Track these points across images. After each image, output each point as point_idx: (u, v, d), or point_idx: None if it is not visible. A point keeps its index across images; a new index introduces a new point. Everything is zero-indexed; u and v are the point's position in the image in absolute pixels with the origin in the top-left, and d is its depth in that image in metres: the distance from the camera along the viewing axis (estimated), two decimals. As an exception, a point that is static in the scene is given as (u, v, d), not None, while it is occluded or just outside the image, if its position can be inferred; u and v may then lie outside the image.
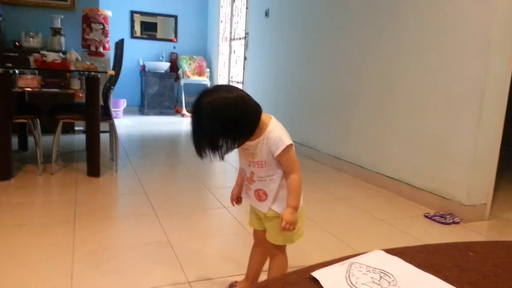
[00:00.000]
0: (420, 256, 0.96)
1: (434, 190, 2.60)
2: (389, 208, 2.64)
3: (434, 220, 2.38)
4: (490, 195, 2.45)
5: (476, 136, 2.34)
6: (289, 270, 1.62)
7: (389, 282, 0.80)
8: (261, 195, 1.31)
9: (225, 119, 1.13)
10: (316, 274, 0.84)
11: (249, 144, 1.25)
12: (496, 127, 2.38)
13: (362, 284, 0.79)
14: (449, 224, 2.34)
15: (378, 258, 0.92)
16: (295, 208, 1.26)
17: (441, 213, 2.46)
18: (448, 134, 2.51)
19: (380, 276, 0.82)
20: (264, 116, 1.22)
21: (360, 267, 0.86)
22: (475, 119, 2.34)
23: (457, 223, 2.36)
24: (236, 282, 1.55)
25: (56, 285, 1.55)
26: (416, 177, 2.75)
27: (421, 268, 0.88)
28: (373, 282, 0.80)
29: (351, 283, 0.79)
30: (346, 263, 0.89)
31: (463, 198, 2.40)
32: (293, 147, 1.26)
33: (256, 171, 1.29)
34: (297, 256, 1.83)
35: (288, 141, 1.22)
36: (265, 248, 1.43)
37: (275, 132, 1.22)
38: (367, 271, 0.85)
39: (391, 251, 0.97)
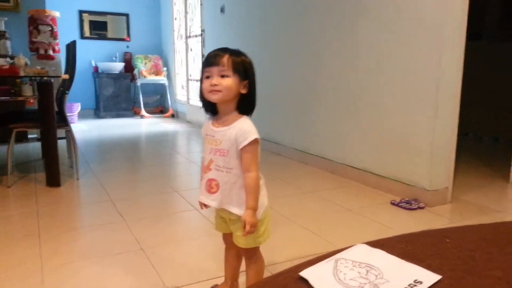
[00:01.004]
0: (400, 247, 0.98)
1: (398, 177, 2.69)
2: (356, 197, 2.70)
3: (400, 207, 2.47)
4: (451, 179, 2.56)
5: (433, 125, 2.44)
6: (266, 266, 1.63)
7: (376, 276, 0.82)
8: (212, 186, 1.27)
9: (254, 79, 1.28)
10: (304, 273, 0.84)
11: (218, 129, 1.25)
12: (452, 116, 2.49)
13: (350, 279, 0.80)
14: (414, 209, 2.43)
15: (362, 252, 0.94)
16: (255, 209, 1.23)
17: (406, 199, 2.55)
18: (408, 124, 2.60)
19: (367, 270, 0.84)
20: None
21: (346, 262, 0.88)
22: (432, 110, 2.44)
23: (422, 208, 2.45)
24: (216, 285, 1.53)
25: (26, 305, 1.47)
26: (380, 166, 2.83)
27: (404, 258, 0.90)
28: (361, 276, 0.81)
29: (340, 279, 0.80)
30: (331, 259, 0.90)
31: (426, 184, 2.50)
32: (259, 146, 1.25)
33: (215, 159, 1.26)
34: (270, 252, 1.84)
35: (256, 135, 1.22)
36: (238, 250, 1.40)
37: (247, 124, 1.24)
38: (353, 266, 0.86)
39: (373, 244, 1.00)
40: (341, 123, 3.18)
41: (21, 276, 1.66)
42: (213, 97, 1.22)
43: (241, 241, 1.31)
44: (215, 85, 1.19)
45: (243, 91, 1.24)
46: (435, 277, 0.80)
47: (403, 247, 0.98)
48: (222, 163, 1.25)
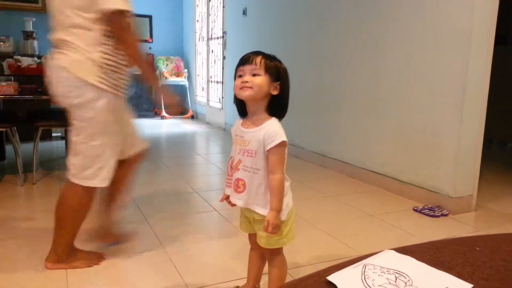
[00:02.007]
0: (430, 254, 0.97)
1: (421, 183, 2.65)
2: (377, 203, 2.67)
3: (423, 213, 2.43)
4: (476, 187, 2.51)
5: (459, 130, 2.39)
6: (287, 269, 1.62)
7: (405, 283, 0.81)
8: (239, 186, 1.30)
9: (287, 83, 1.29)
10: (332, 278, 0.83)
11: (247, 130, 1.27)
12: (478, 121, 2.45)
13: (379, 286, 0.79)
14: (438, 216, 2.39)
15: (391, 259, 0.93)
16: (278, 211, 1.24)
17: (430, 206, 2.50)
18: (432, 128, 2.56)
19: (396, 277, 0.83)
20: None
21: (374, 268, 0.87)
22: (458, 114, 2.39)
23: (445, 215, 2.41)
24: (238, 287, 1.53)
25: (52, 301, 1.50)
26: (402, 172, 2.79)
27: (433, 266, 0.89)
28: (389, 283, 0.80)
29: (368, 285, 0.80)
30: (359, 265, 0.89)
31: (450, 191, 2.46)
32: (286, 148, 1.27)
33: (243, 160, 1.28)
34: (291, 255, 1.83)
35: (283, 137, 1.24)
36: (262, 251, 1.41)
37: (275, 125, 1.25)
38: (382, 272, 0.85)
39: (401, 250, 0.98)
40: (362, 126, 3.15)
41: (46, 273, 1.70)
42: (243, 94, 1.23)
43: (264, 241, 1.31)
44: (246, 82, 1.21)
45: (274, 92, 1.25)
46: (466, 286, 0.79)
47: (432, 254, 0.96)
48: (250, 164, 1.27)
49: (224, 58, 5.64)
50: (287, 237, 1.32)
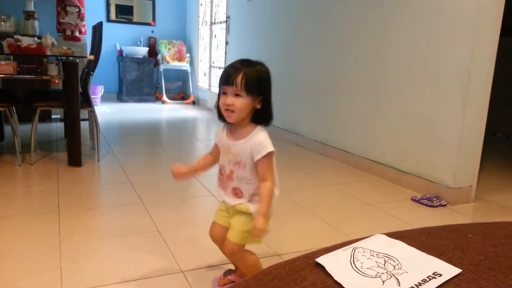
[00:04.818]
0: (421, 239, 0.96)
1: (421, 173, 2.63)
2: (376, 192, 2.65)
3: (421, 203, 2.42)
4: (475, 178, 2.49)
5: (462, 120, 2.36)
6: (282, 255, 1.62)
7: (394, 266, 0.80)
8: (238, 193, 1.33)
9: (269, 90, 1.27)
10: (320, 260, 0.83)
11: (234, 143, 1.28)
12: (481, 111, 2.41)
13: (367, 268, 0.78)
14: (436, 207, 2.37)
15: (381, 243, 0.92)
16: (267, 217, 1.26)
17: (428, 196, 2.49)
18: (435, 117, 2.53)
19: (385, 260, 0.82)
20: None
21: (363, 251, 0.86)
22: (461, 103, 2.36)
23: (444, 205, 2.39)
24: (230, 270, 1.53)
25: (45, 278, 1.50)
26: (403, 161, 2.77)
27: (424, 251, 0.88)
28: (378, 266, 0.79)
29: (356, 268, 0.79)
30: (349, 248, 0.89)
31: (449, 181, 2.44)
32: (274, 155, 1.28)
33: (235, 171, 1.30)
34: (286, 242, 1.83)
35: (270, 148, 1.24)
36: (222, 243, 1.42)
37: (261, 137, 1.26)
38: (371, 255, 0.84)
39: (392, 235, 0.97)
40: (364, 115, 3.13)
41: (40, 251, 1.70)
42: (228, 119, 1.26)
43: (235, 234, 1.33)
44: (229, 105, 1.22)
45: (258, 106, 1.25)
46: (455, 271, 0.78)
47: (423, 239, 0.95)
48: (242, 175, 1.29)
49: (227, 43, 5.59)
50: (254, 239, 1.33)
